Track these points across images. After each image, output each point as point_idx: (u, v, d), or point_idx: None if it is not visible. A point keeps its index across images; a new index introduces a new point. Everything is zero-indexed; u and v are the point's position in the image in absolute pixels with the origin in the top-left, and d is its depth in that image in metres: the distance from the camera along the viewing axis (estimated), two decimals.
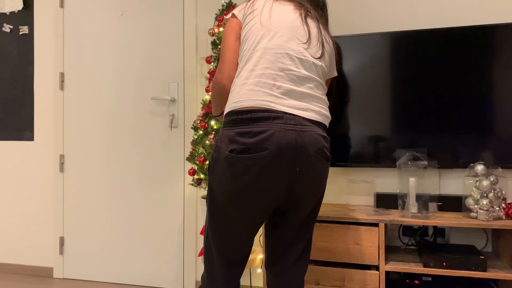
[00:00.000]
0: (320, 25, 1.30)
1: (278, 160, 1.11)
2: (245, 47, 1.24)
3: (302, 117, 1.16)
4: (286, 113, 1.13)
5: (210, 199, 1.22)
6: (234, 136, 1.12)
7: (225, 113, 1.20)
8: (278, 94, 1.14)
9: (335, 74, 1.46)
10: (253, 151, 1.10)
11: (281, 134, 1.10)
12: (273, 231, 1.30)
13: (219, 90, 1.28)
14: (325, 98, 1.27)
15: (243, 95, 1.15)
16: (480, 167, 1.78)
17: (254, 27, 1.24)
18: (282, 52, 1.18)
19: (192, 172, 2.07)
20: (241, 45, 1.27)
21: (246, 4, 1.32)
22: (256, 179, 1.11)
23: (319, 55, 1.25)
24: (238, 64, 1.27)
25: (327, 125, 1.27)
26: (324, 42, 1.28)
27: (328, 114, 1.26)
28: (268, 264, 1.34)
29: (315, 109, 1.20)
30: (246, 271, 2.34)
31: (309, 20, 1.27)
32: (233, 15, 1.33)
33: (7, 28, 2.87)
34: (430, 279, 1.86)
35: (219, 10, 2.15)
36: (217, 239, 1.23)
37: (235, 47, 1.29)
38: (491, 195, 1.74)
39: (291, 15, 1.25)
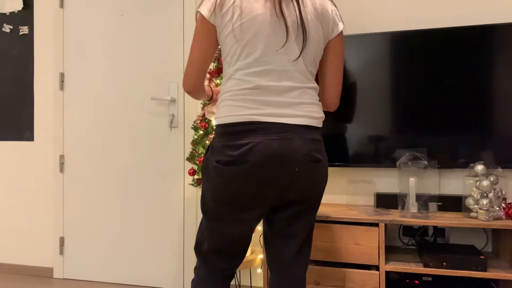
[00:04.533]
0: (301, 2, 1.19)
1: (261, 170, 1.14)
2: (225, 59, 1.23)
3: (287, 124, 1.16)
4: (269, 122, 1.15)
5: (203, 201, 1.27)
6: (221, 148, 1.17)
7: (214, 125, 1.23)
8: (261, 106, 1.16)
9: (339, 31, 1.28)
10: (237, 163, 1.14)
11: (264, 144, 1.13)
12: (269, 227, 1.31)
13: (188, 93, 1.32)
14: (313, 99, 1.23)
15: (228, 110, 1.18)
16: (480, 167, 1.78)
17: (228, 41, 1.19)
18: (260, 70, 1.17)
19: (192, 172, 2.07)
20: (221, 50, 1.25)
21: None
22: (242, 190, 1.16)
23: (299, 51, 1.18)
24: (205, 70, 1.27)
25: (319, 126, 1.25)
26: (307, 24, 1.19)
27: (318, 115, 1.23)
28: (268, 260, 1.35)
29: (301, 113, 1.19)
30: (246, 271, 2.34)
31: (285, 7, 1.17)
32: (202, 16, 1.22)
33: (7, 28, 2.87)
34: (430, 279, 1.86)
35: None
36: (212, 237, 1.27)
37: (200, 54, 1.24)
38: (491, 195, 1.74)
39: (263, 11, 1.16)
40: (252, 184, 1.15)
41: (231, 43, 1.19)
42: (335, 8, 1.29)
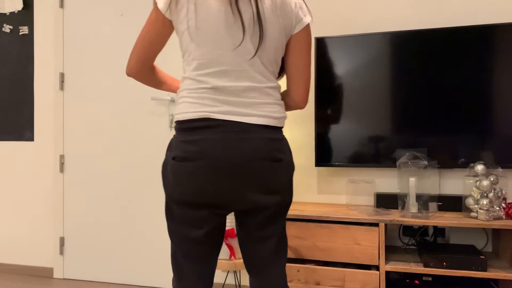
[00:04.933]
0: None
1: (217, 168, 1.11)
2: (183, 56, 1.22)
3: (246, 123, 1.14)
4: (227, 120, 1.13)
5: (165, 204, 1.24)
6: (177, 144, 1.15)
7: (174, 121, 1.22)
8: (220, 104, 1.14)
9: (303, 25, 1.21)
10: (192, 159, 1.11)
11: (221, 142, 1.11)
12: (241, 230, 1.27)
13: (128, 75, 1.29)
14: (273, 99, 1.20)
15: (186, 107, 1.16)
16: (480, 167, 1.78)
17: (184, 38, 1.17)
18: (217, 71, 1.15)
19: None
20: (180, 45, 1.23)
21: None
22: (198, 187, 1.13)
23: (255, 47, 1.15)
24: (149, 57, 1.24)
25: (280, 125, 1.21)
26: (264, 20, 1.15)
27: (279, 115, 1.20)
28: (246, 264, 1.32)
29: (260, 113, 1.16)
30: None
31: (241, 3, 1.13)
32: (158, 8, 1.19)
33: (7, 28, 2.87)
34: (430, 279, 1.86)
35: None
36: (180, 242, 1.22)
37: (144, 41, 1.21)
38: (491, 195, 1.74)
39: (217, 7, 1.13)
40: (207, 181, 1.12)
41: (187, 41, 1.16)
42: (300, 1, 1.22)
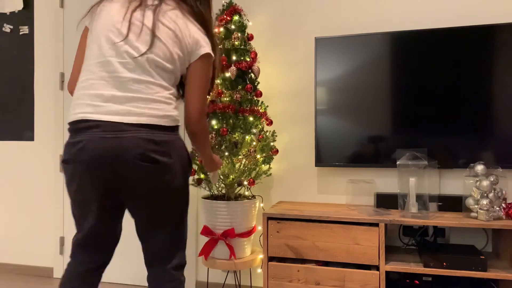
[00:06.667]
0: (159, 12, 1.22)
1: (93, 168, 1.15)
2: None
3: (123, 123, 1.15)
4: (102, 121, 1.15)
5: None
6: (65, 146, 1.22)
7: None
8: (99, 103, 1.17)
9: (199, 55, 1.28)
10: (71, 161, 1.17)
11: (96, 143, 1.14)
12: (135, 223, 1.32)
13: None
14: (159, 96, 1.20)
15: (72, 108, 1.22)
16: (480, 167, 1.78)
17: (88, 38, 1.27)
18: (103, 60, 1.19)
19: (192, 172, 2.07)
20: None
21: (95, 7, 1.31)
22: (79, 188, 1.19)
23: (144, 49, 1.19)
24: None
25: (167, 125, 1.20)
26: (159, 29, 1.20)
27: (163, 113, 1.19)
28: (145, 259, 1.36)
29: (139, 111, 1.16)
30: (246, 271, 2.34)
31: (138, 12, 1.21)
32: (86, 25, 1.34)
33: (7, 28, 2.87)
34: (430, 279, 1.86)
35: (220, 10, 2.15)
36: (76, 228, 1.31)
37: (79, 56, 1.34)
38: (491, 195, 1.74)
39: (114, 12, 1.23)
40: (86, 182, 1.17)
41: (89, 38, 1.26)
42: (202, 32, 1.28)
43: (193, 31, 1.27)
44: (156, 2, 1.25)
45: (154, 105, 1.19)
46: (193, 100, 1.29)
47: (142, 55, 1.18)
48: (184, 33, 1.25)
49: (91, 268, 1.33)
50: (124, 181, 1.17)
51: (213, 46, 1.33)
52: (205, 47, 1.28)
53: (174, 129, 1.24)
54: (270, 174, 2.22)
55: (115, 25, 1.21)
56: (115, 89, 1.17)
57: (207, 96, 1.35)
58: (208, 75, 1.32)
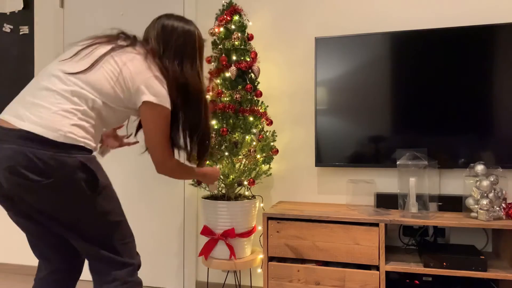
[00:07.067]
0: (119, 50, 1.27)
1: None
2: None
3: (9, 129, 1.11)
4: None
5: None
6: None
7: None
8: (10, 107, 1.18)
9: (141, 101, 1.26)
10: None
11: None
12: None
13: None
14: (63, 110, 1.13)
15: None
16: (480, 167, 1.78)
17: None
18: (42, 74, 1.23)
19: None
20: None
21: None
22: None
23: (78, 70, 1.19)
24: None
25: (61, 141, 1.10)
26: (104, 63, 1.22)
27: (61, 127, 1.10)
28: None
29: (34, 120, 1.10)
30: (246, 271, 2.34)
31: (101, 47, 1.27)
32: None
33: (7, 28, 2.87)
34: (430, 279, 1.86)
35: (220, 10, 2.15)
36: None
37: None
38: (491, 195, 1.74)
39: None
40: None
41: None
42: (151, 82, 1.26)
43: (141, 78, 1.25)
44: (124, 44, 1.32)
45: (56, 117, 1.13)
46: (150, 150, 1.37)
47: (75, 74, 1.20)
48: (126, 74, 1.24)
49: (53, 271, 1.44)
50: (10, 192, 1.18)
51: (187, 101, 1.35)
52: (145, 96, 1.25)
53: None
54: (270, 174, 2.22)
55: (70, 51, 1.28)
56: (30, 96, 1.19)
57: (168, 140, 1.37)
58: (158, 123, 1.30)
